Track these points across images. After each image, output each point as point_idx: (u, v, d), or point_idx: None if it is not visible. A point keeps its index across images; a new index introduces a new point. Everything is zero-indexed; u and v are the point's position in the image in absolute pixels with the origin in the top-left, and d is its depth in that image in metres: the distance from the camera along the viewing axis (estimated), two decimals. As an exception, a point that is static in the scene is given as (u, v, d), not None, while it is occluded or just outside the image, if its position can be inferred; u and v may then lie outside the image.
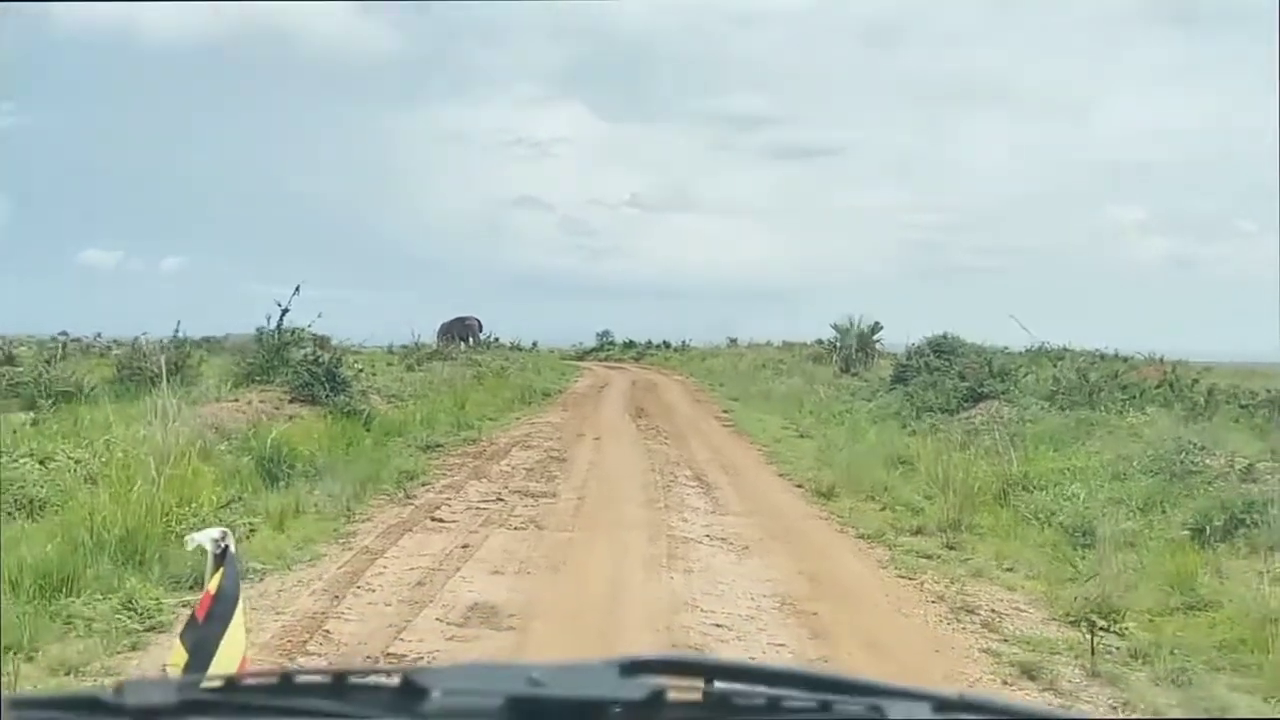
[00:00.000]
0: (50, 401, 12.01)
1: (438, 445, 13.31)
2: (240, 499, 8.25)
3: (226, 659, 2.24)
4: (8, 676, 4.66)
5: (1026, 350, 19.50)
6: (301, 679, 1.08)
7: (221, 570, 2.31)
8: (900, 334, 21.88)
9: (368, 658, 5.14)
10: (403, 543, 7.78)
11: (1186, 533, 7.74)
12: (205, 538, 2.35)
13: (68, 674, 4.92)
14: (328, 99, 71.15)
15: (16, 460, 8.33)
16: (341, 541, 7.83)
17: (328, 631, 5.55)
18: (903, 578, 7.33)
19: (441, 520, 8.66)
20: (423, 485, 10.40)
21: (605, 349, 48.29)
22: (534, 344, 41.46)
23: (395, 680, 1.03)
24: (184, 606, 5.44)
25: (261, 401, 13.08)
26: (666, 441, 14.89)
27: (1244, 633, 5.96)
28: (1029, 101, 67.49)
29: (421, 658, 5.17)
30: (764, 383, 24.58)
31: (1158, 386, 13.97)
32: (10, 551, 6.02)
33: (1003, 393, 14.35)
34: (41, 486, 7.86)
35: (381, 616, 5.85)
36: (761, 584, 6.87)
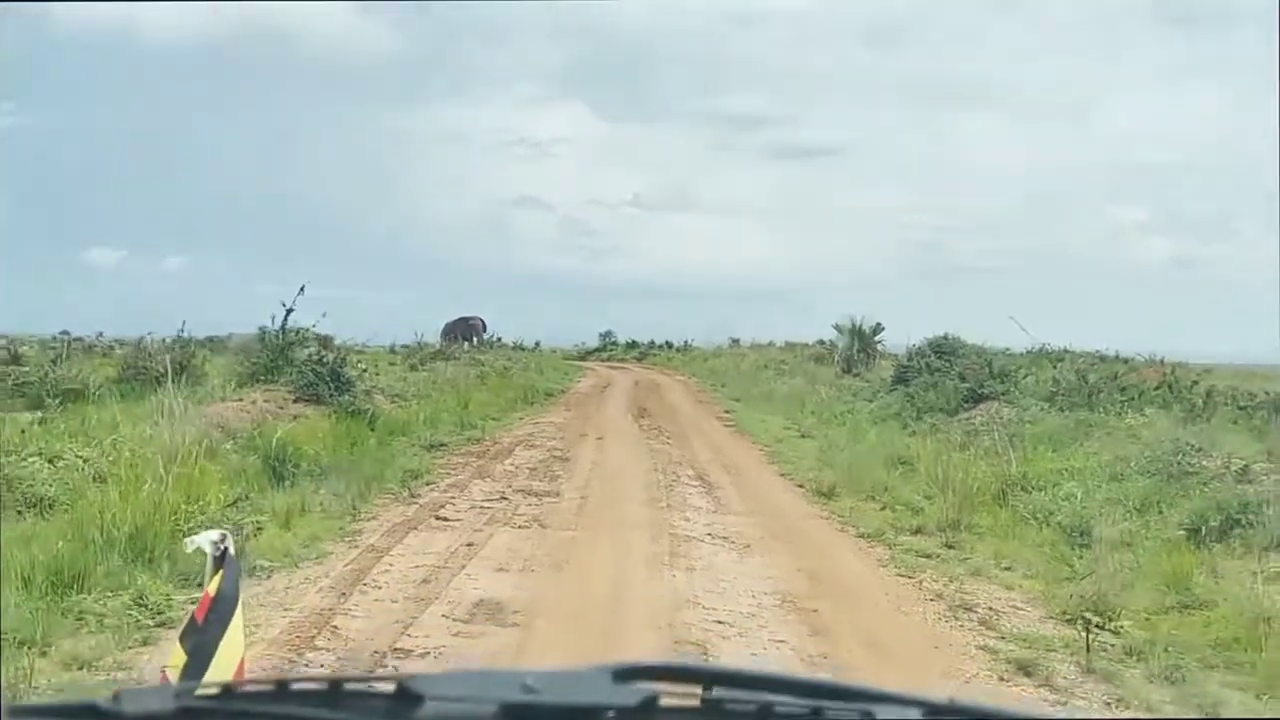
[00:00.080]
0: (57, 401, 12.09)
1: (441, 444, 13.41)
2: (247, 498, 8.34)
3: (225, 661, 2.23)
4: (22, 670, 4.75)
5: (1027, 351, 19.59)
6: (297, 686, 1.08)
7: (221, 572, 2.30)
8: (902, 335, 21.97)
9: (375, 653, 5.23)
10: (408, 541, 7.87)
11: (1182, 533, 7.83)
12: (205, 540, 2.34)
13: (80, 668, 5.02)
14: (328, 99, 71.19)
15: (25, 459, 8.41)
16: (347, 540, 7.92)
17: (335, 627, 5.65)
18: (902, 576, 7.42)
19: (446, 519, 8.76)
20: (427, 484, 10.50)
21: (608, 349, 48.40)
22: (536, 344, 41.60)
23: (390, 687, 1.03)
24: (193, 603, 5.54)
25: (266, 401, 13.18)
26: (669, 441, 14.99)
27: (1238, 631, 6.05)
28: (1030, 102, 67.50)
29: (428, 653, 5.26)
30: (766, 383, 24.69)
31: (1157, 388, 14.04)
32: (22, 548, 6.13)
33: (1003, 394, 14.44)
34: (50, 485, 7.95)
35: (388, 613, 5.95)
36: (763, 582, 6.97)
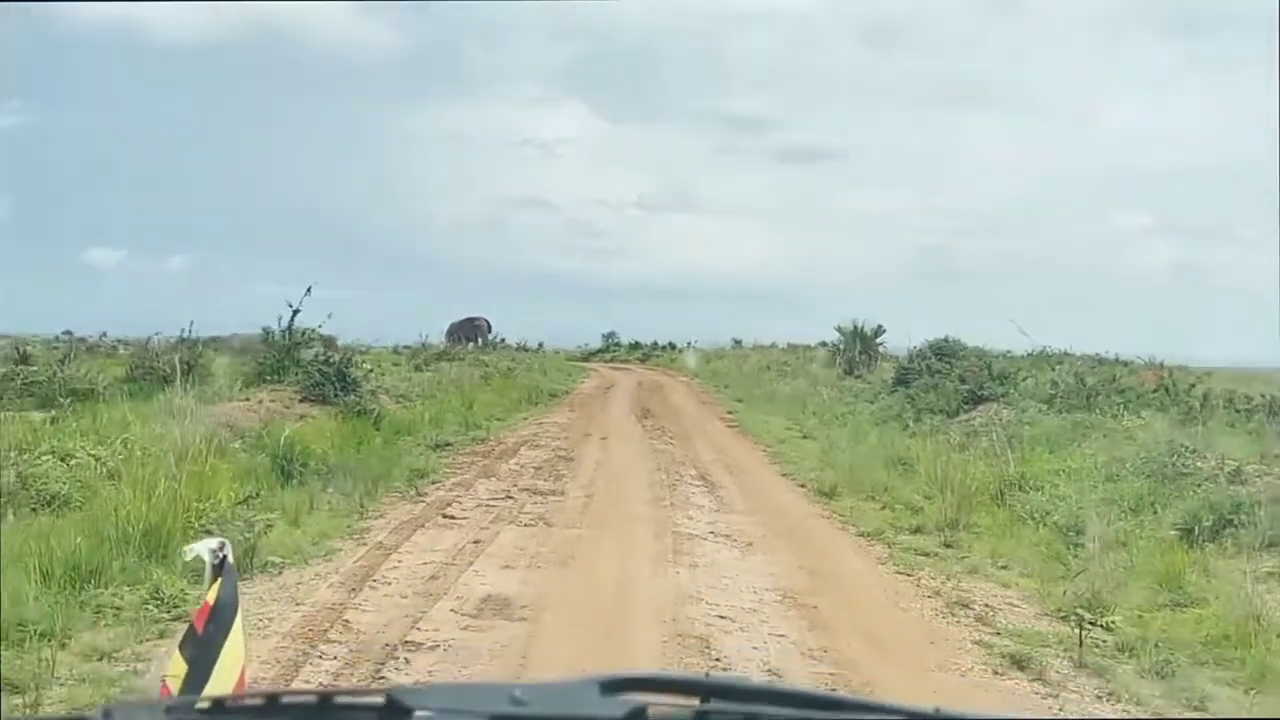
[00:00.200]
0: (69, 400, 12.26)
1: (447, 444, 13.57)
2: (257, 495, 8.47)
3: (226, 670, 2.21)
4: (45, 661, 4.91)
5: (1028, 354, 19.75)
6: (288, 700, 1.09)
7: (220, 580, 2.28)
8: (903, 337, 22.13)
9: (386, 645, 5.38)
10: (415, 538, 8.03)
11: (1175, 533, 7.97)
12: (204, 548, 2.32)
13: (100, 659, 5.18)
14: (331, 99, 71.32)
15: (39, 457, 8.58)
16: (356, 537, 8.08)
17: (347, 621, 5.80)
18: (901, 574, 7.57)
19: (452, 517, 8.92)
20: (433, 483, 10.66)
21: (611, 350, 48.56)
22: (539, 345, 41.73)
23: (380, 700, 1.03)
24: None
25: (272, 401, 13.34)
26: (672, 442, 15.15)
27: (1228, 629, 6.18)
28: (1033, 105, 67.60)
29: (438, 646, 5.41)
30: (768, 384, 24.84)
31: (1154, 391, 14.17)
32: (41, 544, 6.28)
33: (1002, 396, 14.59)
34: (63, 483, 8.11)
35: (398, 608, 6.11)
36: (764, 578, 7.12)
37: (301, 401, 13.64)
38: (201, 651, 2.21)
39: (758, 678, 5.16)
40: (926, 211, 70.84)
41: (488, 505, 9.53)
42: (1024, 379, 15.87)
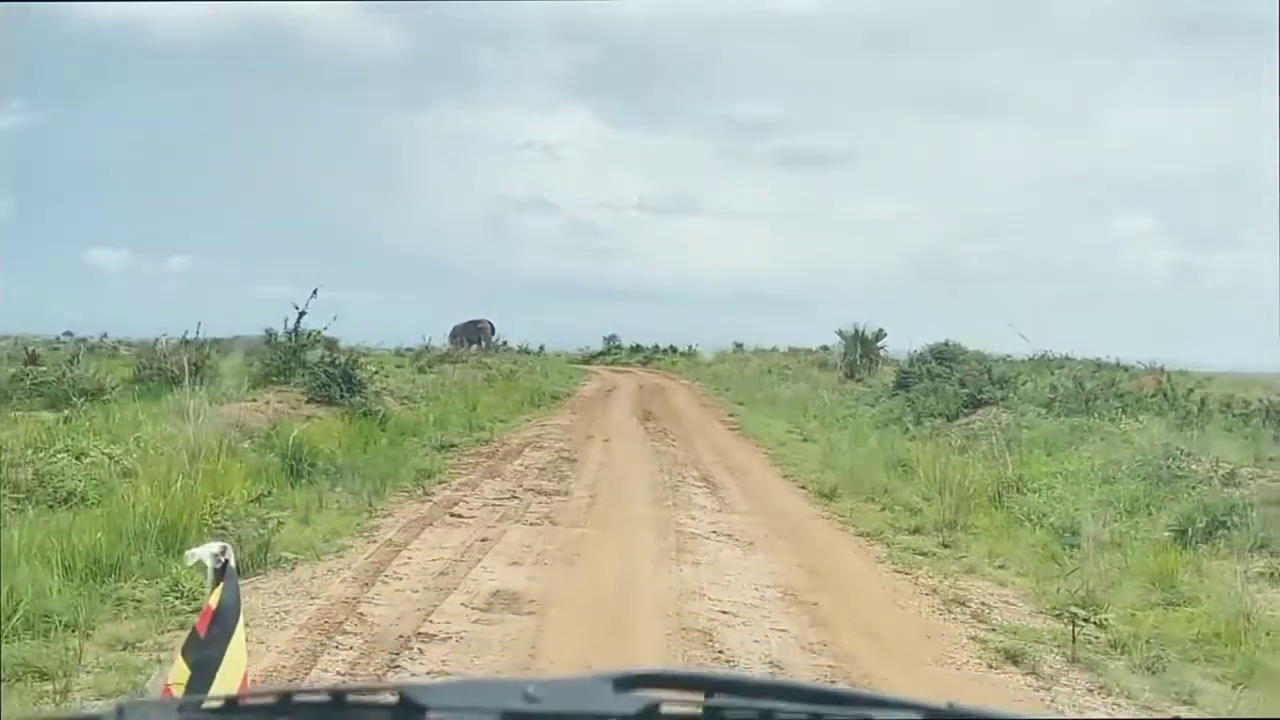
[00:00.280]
0: (82, 400, 12.46)
1: (452, 445, 13.77)
2: (269, 494, 8.68)
3: (229, 674, 2.23)
4: (72, 650, 5.10)
5: (1028, 358, 19.97)
6: (300, 698, 1.08)
7: (222, 585, 2.29)
8: (904, 340, 22.34)
9: (400, 637, 5.58)
10: (424, 536, 8.22)
11: (1169, 534, 8.17)
12: (205, 553, 2.32)
13: (124, 649, 5.37)
14: (335, 99, 71.53)
15: (54, 455, 8.78)
16: (365, 535, 8.28)
17: (361, 614, 6.00)
18: (899, 573, 7.76)
19: (460, 515, 9.12)
20: (439, 483, 10.86)
21: (612, 353, 48.70)
22: (541, 347, 41.86)
23: (393, 698, 1.04)
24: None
25: (279, 402, 13.53)
26: (674, 444, 15.34)
27: (1219, 627, 6.36)
28: (1036, 111, 67.84)
29: (450, 638, 5.61)
30: (770, 388, 25.03)
31: (1153, 395, 14.37)
32: (62, 539, 6.48)
33: (1001, 399, 14.79)
34: (79, 480, 8.31)
35: (410, 601, 6.30)
36: (765, 576, 7.32)
37: (308, 403, 13.83)
38: (204, 655, 2.22)
39: (760, 671, 5.35)
40: (928, 215, 71.08)
41: (494, 504, 9.72)
42: (1023, 383, 16.07)
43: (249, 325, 17.21)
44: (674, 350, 47.15)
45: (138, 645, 5.44)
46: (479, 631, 5.76)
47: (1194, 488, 9.09)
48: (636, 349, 48.88)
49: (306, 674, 4.99)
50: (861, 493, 10.80)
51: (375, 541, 8.02)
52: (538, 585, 6.79)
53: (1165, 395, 14.07)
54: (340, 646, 5.42)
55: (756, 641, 5.81)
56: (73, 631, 5.40)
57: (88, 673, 5.00)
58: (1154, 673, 5.76)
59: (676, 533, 8.65)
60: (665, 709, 1.03)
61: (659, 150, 75.23)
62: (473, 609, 6.20)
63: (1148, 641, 6.10)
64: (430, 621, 5.89)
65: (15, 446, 8.69)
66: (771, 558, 7.98)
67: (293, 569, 7.08)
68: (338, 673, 5.02)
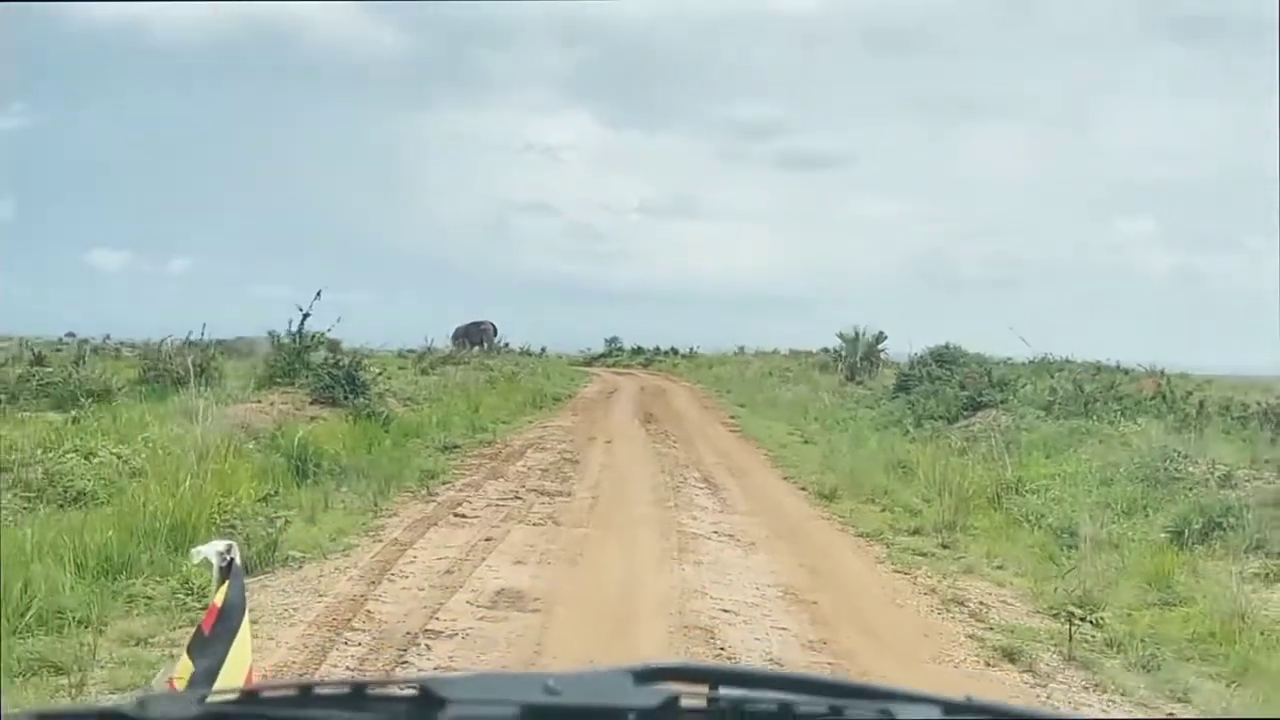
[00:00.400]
0: (89, 400, 12.57)
1: (455, 446, 13.89)
2: (275, 494, 8.80)
3: (233, 671, 2.24)
4: (86, 646, 5.21)
5: (1030, 361, 20.07)
6: (320, 690, 1.09)
7: (228, 583, 2.29)
8: (905, 343, 22.47)
9: (408, 633, 5.68)
10: (429, 535, 8.33)
11: (1166, 535, 8.27)
12: (211, 551, 2.33)
13: (137, 644, 5.48)
14: (337, 100, 71.80)
15: (63, 455, 8.89)
16: (371, 534, 8.38)
17: (369, 611, 6.10)
18: (898, 573, 7.86)
19: (464, 515, 9.22)
20: (443, 484, 10.96)
21: (613, 355, 48.82)
22: (543, 349, 41.97)
23: (413, 690, 1.04)
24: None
25: (284, 403, 13.64)
26: (675, 445, 15.45)
27: (1214, 626, 6.46)
28: (1038, 113, 68.07)
29: (457, 634, 5.71)
30: (770, 390, 25.14)
31: (1152, 398, 14.47)
32: (73, 538, 6.58)
33: (1001, 402, 14.90)
34: (88, 480, 8.42)
35: (416, 599, 6.41)
36: (766, 575, 7.42)
37: (312, 404, 13.94)
38: (209, 653, 2.23)
39: (759, 667, 5.46)
40: (929, 218, 71.30)
41: (497, 505, 9.83)
42: (1023, 386, 16.18)
43: (250, 326, 17.35)
44: (675, 352, 47.27)
45: (150, 641, 5.54)
46: (485, 628, 5.86)
47: (1191, 490, 9.19)
48: (638, 351, 49.00)
49: (316, 669, 5.09)
50: (862, 494, 10.90)
51: (381, 541, 8.12)
52: (542, 584, 6.90)
53: (1164, 398, 14.17)
54: (349, 643, 5.52)
55: (758, 639, 5.91)
56: (85, 627, 5.50)
57: (101, 667, 5.10)
58: (1149, 671, 5.86)
59: (678, 533, 8.75)
60: (685, 702, 1.03)
61: (659, 152, 75.49)
62: (478, 606, 6.31)
63: (1143, 640, 6.20)
64: (437, 618, 6.00)
65: (25, 446, 8.79)
66: (772, 558, 8.08)
67: (300, 567, 7.18)
68: (346, 668, 5.13)
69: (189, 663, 2.25)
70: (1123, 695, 5.56)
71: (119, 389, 14.29)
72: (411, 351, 27.12)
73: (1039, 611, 6.97)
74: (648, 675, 1.06)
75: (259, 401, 13.37)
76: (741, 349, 41.58)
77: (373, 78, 70.39)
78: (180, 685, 2.22)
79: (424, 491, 10.38)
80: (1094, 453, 11.39)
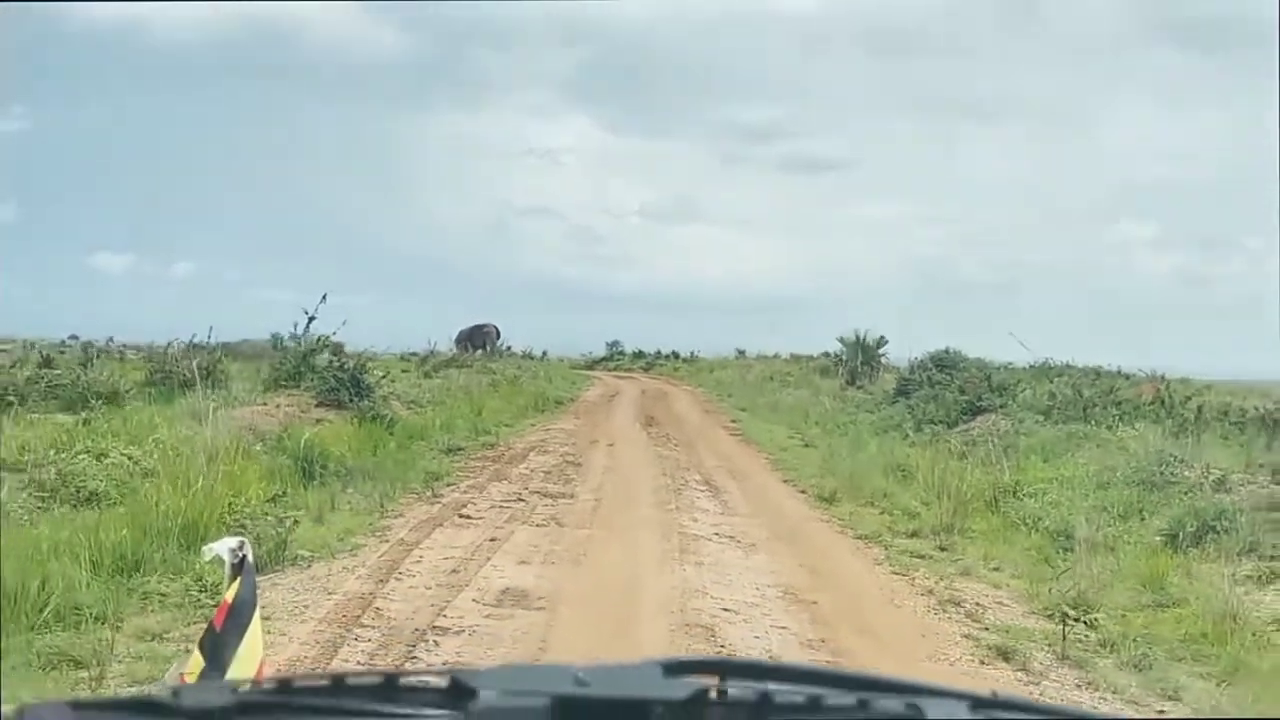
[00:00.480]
0: (98, 402, 12.73)
1: (458, 449, 14.05)
2: (284, 494, 8.94)
3: (243, 667, 2.26)
4: (104, 641, 5.36)
5: (1029, 366, 20.20)
6: (352, 681, 1.11)
7: (239, 580, 2.32)
8: (906, 348, 22.61)
9: (416, 629, 5.84)
10: (434, 536, 8.48)
11: (1160, 538, 8.42)
12: (223, 548, 2.34)
13: (153, 640, 5.63)
14: (337, 101, 71.90)
15: (75, 456, 9.04)
16: (378, 534, 8.53)
17: (378, 608, 6.26)
18: (896, 574, 8.01)
19: (469, 517, 9.37)
20: (448, 485, 11.12)
21: (615, 359, 48.96)
22: (544, 353, 42.12)
23: (444, 681, 1.06)
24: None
25: (289, 406, 13.79)
26: (677, 448, 15.60)
27: (1206, 628, 6.60)
28: (1039, 116, 68.20)
29: (464, 631, 5.87)
30: (771, 394, 25.30)
31: (1151, 403, 14.61)
32: (88, 536, 6.73)
33: (1000, 407, 15.04)
34: (100, 480, 8.57)
35: (423, 597, 6.56)
36: (766, 576, 7.57)
37: (317, 406, 14.10)
38: (220, 649, 2.25)
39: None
40: (930, 221, 71.46)
41: (501, 506, 9.98)
42: (1023, 391, 16.31)
43: (252, 329, 17.49)
44: (676, 356, 47.43)
45: (165, 636, 5.69)
46: (491, 626, 6.01)
47: (1186, 493, 9.33)
48: (639, 355, 49.16)
49: (328, 663, 5.24)
50: (861, 497, 11.05)
51: (388, 541, 8.27)
52: (546, 583, 7.04)
53: (1163, 403, 14.30)
54: (359, 639, 5.67)
55: (757, 637, 6.05)
56: (103, 623, 5.65)
57: (119, 662, 5.25)
58: (1141, 670, 5.99)
59: (680, 534, 8.90)
60: (713, 695, 1.04)
61: (659, 156, 75.69)
62: (484, 605, 6.46)
63: (1136, 640, 6.34)
64: (444, 616, 6.15)
65: (38, 447, 8.95)
66: (772, 559, 8.23)
67: (309, 566, 7.33)
68: (358, 662, 5.28)
69: (200, 658, 2.28)
70: (1114, 693, 5.70)
71: (127, 391, 14.45)
72: (414, 355, 27.29)
73: (1034, 612, 7.11)
74: (676, 668, 1.07)
75: (265, 404, 13.53)
76: (742, 353, 41.81)
77: (373, 79, 70.56)
78: (191, 680, 2.24)
79: (429, 493, 10.53)
80: (1091, 457, 11.53)
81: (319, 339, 15.70)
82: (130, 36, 62.95)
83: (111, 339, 27.93)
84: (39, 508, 7.67)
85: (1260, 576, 7.57)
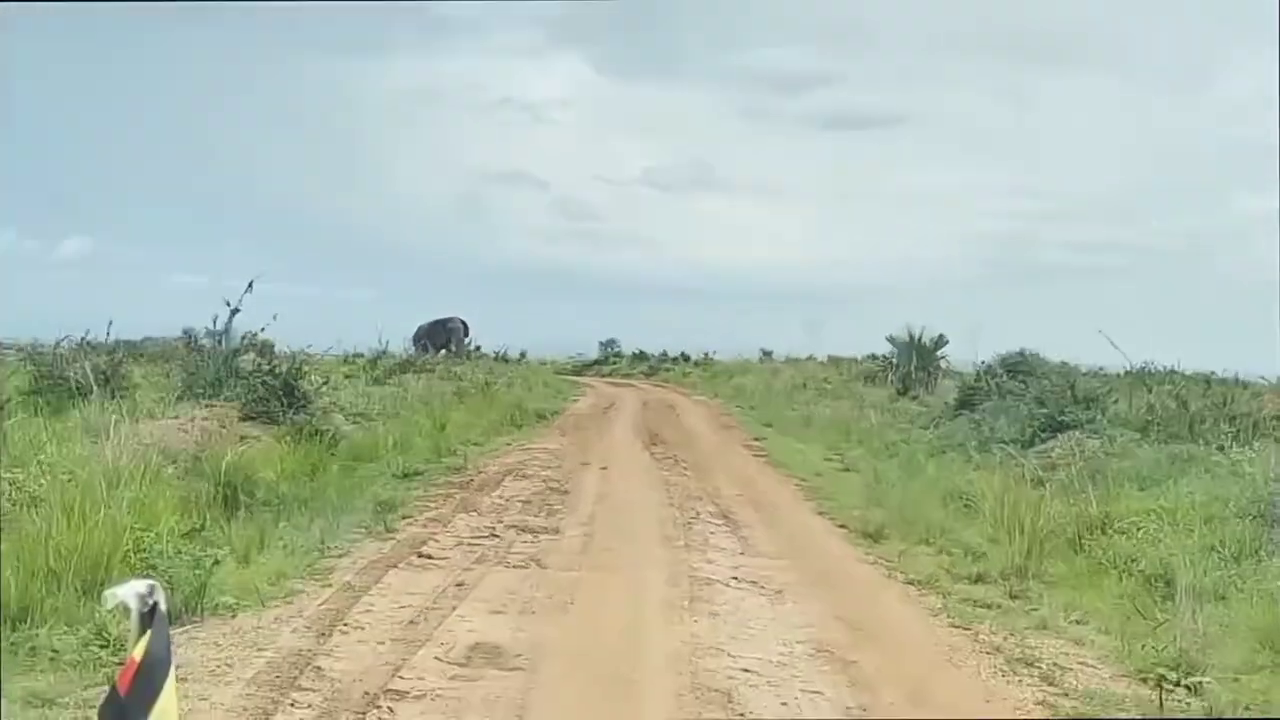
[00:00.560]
0: (-25, 414, 12.83)
1: (416, 473, 14.20)
2: (202, 528, 9.05)
3: None
4: None
5: (1125, 372, 20.29)
6: None
7: (149, 633, 2.23)
8: (971, 349, 22.72)
9: (366, 694, 5.94)
10: (388, 580, 8.59)
11: (1281, 584, 8.50)
12: (129, 594, 2.25)
13: (42, 706, 5.72)
14: (266, 45, 72.11)
15: (-62, 482, 9.13)
16: (318, 578, 8.64)
17: (319, 668, 6.36)
18: (956, 627, 8.10)
19: (429, 556, 9.49)
20: (403, 518, 11.25)
21: (610, 362, 49.25)
22: (522, 354, 42.39)
23: None
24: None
25: (207, 419, 13.93)
26: (686, 473, 15.73)
27: (1337, 693, 6.71)
28: (1139, 64, 68.33)
29: (424, 695, 5.96)
30: (803, 406, 25.46)
31: (1275, 418, 14.72)
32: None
33: (1087, 422, 15.13)
34: (-31, 511, 8.67)
35: (375, 655, 6.66)
36: (796, 630, 7.67)
37: (243, 420, 14.25)
38: (125, 717, 2.19)
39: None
40: (1003, 192, 71.58)
41: (469, 544, 10.09)
42: (1115, 402, 16.42)
43: (161, 323, 17.54)
44: (686, 359, 47.63)
45: (57, 702, 5.78)
46: (457, 689, 6.11)
47: (1315, 530, 9.42)
48: (640, 357, 49.39)
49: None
50: (913, 533, 11.16)
51: (330, 585, 8.38)
52: (525, 636, 7.15)
53: (1289, 419, 14.41)
54: (297, 704, 5.77)
55: (784, 705, 6.15)
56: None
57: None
58: (1251, 745, 6.09)
59: (690, 578, 9.00)
60: None
61: (669, 109, 75.87)
62: (449, 663, 6.56)
63: (1249, 709, 6.43)
64: (400, 677, 6.25)
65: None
66: (803, 608, 8.33)
67: (234, 616, 7.44)
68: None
69: None
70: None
71: (6, 401, 14.57)
72: (361, 356, 27.43)
73: (1125, 674, 7.20)
74: None
75: (178, 417, 13.66)
76: (769, 354, 42.02)
77: (310, 16, 70.80)
78: None
79: (380, 527, 10.64)
80: (1199, 484, 11.62)
81: (243, 336, 15.84)
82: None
83: (-13, 334, 28.00)
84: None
85: (1404, 632, 7.65)
